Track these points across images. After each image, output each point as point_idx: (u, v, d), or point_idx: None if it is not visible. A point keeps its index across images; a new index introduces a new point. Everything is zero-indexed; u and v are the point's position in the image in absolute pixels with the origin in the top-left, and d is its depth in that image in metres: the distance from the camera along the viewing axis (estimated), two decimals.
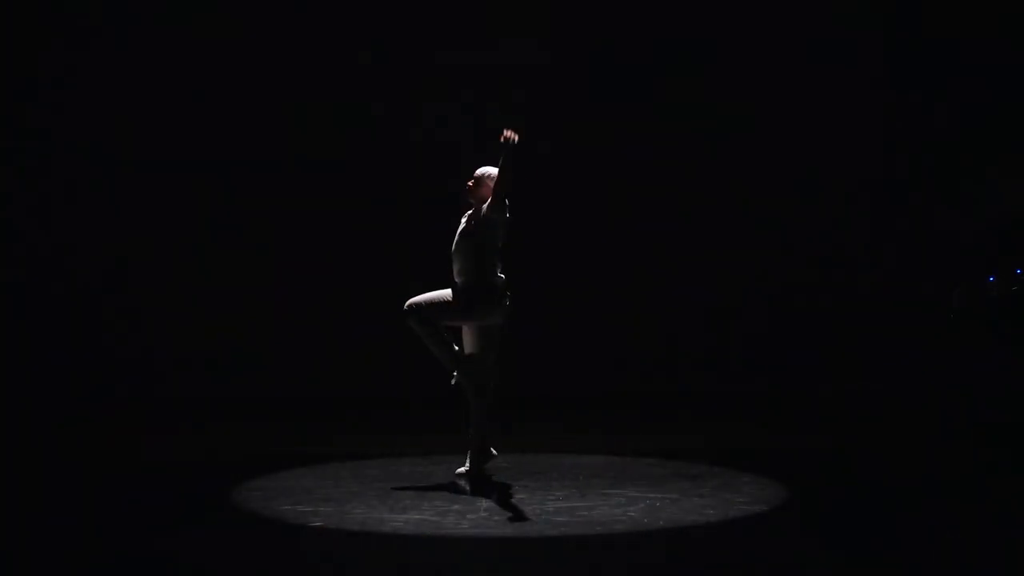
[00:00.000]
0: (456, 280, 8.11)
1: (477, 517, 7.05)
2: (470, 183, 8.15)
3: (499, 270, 8.10)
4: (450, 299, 8.00)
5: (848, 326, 13.56)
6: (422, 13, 13.65)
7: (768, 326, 13.55)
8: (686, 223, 13.63)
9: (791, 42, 13.65)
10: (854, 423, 11.45)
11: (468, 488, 7.89)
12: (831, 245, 13.68)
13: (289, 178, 13.59)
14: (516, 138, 7.78)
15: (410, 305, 8.00)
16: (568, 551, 6.39)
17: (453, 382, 8.14)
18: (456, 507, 7.32)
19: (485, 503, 7.45)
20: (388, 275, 13.12)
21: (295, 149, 13.57)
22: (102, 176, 13.47)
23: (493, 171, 8.05)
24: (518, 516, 7.13)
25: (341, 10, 13.62)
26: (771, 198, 13.65)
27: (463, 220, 8.21)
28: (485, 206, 8.01)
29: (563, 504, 7.39)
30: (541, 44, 13.53)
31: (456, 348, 8.09)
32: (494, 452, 8.19)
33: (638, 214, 13.66)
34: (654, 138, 13.54)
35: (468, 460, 8.21)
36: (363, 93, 13.65)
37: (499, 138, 7.81)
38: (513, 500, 7.52)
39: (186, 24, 13.43)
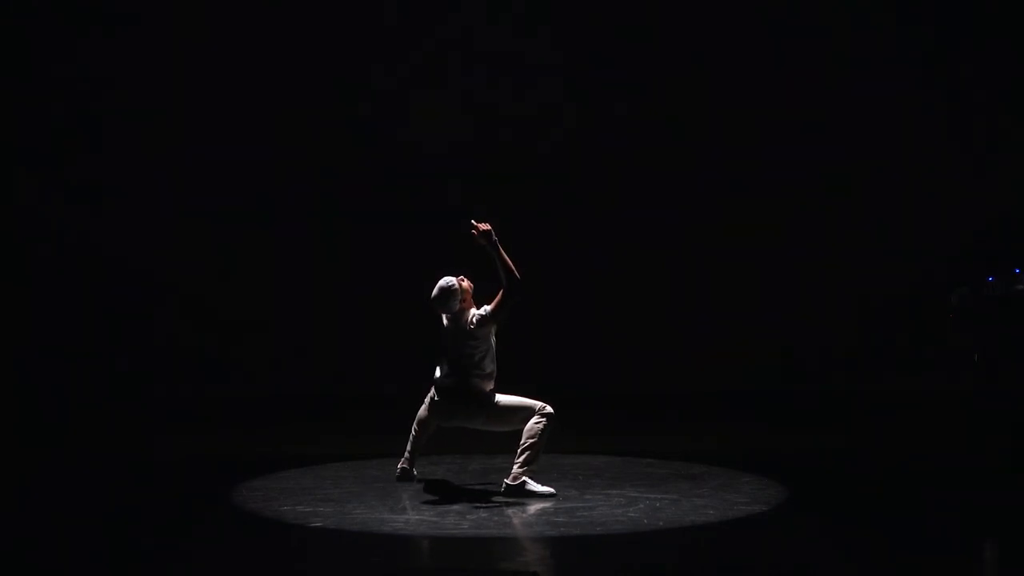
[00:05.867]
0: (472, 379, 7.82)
1: (477, 517, 7.05)
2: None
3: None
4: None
5: (849, 326, 13.57)
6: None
7: (769, 326, 13.55)
8: (687, 221, 13.62)
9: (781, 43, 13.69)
10: (855, 423, 11.46)
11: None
12: (828, 247, 13.67)
13: (290, 179, 13.60)
14: (487, 228, 7.65)
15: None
16: (568, 551, 6.39)
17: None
18: (456, 507, 7.32)
19: (485, 504, 7.45)
20: (388, 275, 13.14)
21: (297, 150, 13.58)
22: (102, 179, 13.49)
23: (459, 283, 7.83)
24: (518, 516, 7.13)
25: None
26: (770, 199, 13.65)
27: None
28: (481, 311, 7.75)
29: (563, 504, 7.39)
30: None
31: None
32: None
33: (638, 210, 13.66)
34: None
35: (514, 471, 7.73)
36: (367, 98, 13.68)
37: (474, 232, 7.63)
38: (513, 500, 7.52)
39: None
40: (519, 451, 7.69)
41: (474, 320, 7.74)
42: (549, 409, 7.76)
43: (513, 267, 7.67)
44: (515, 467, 7.67)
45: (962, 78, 13.58)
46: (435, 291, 7.75)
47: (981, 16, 13.51)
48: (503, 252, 7.68)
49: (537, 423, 7.70)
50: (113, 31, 13.39)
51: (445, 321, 7.86)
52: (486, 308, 7.74)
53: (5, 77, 13.34)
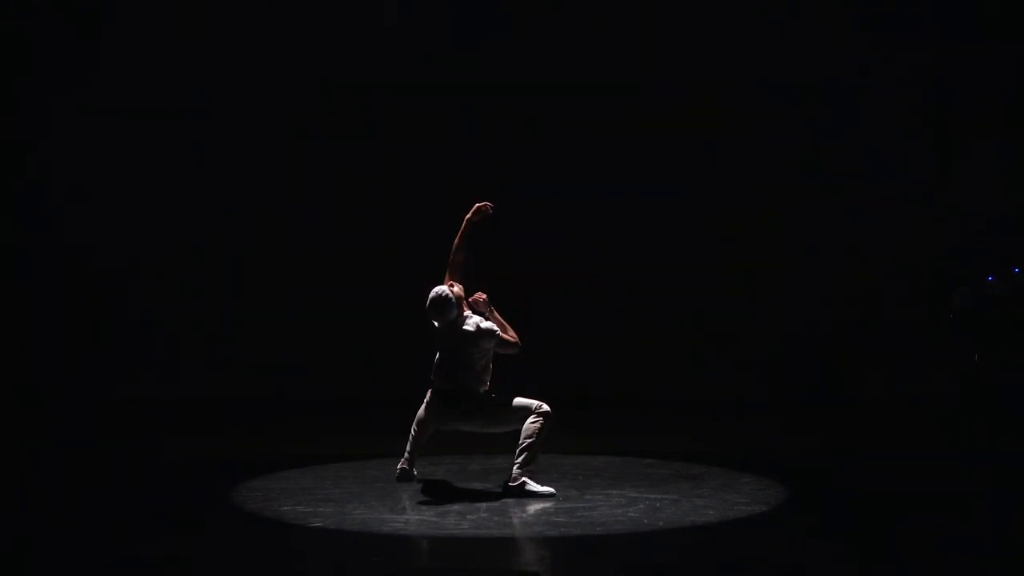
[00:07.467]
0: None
1: (477, 517, 7.05)
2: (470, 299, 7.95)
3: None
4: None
5: (847, 327, 13.58)
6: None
7: (769, 327, 13.56)
8: (690, 225, 13.63)
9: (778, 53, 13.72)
10: (854, 424, 11.46)
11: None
12: (829, 247, 13.68)
13: (290, 180, 13.61)
14: (483, 297, 7.90)
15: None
16: (568, 551, 6.39)
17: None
18: (456, 507, 7.32)
19: (485, 504, 7.45)
20: (388, 275, 13.14)
21: (298, 148, 13.61)
22: (106, 178, 13.51)
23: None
24: (518, 516, 7.13)
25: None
26: (769, 199, 13.66)
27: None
28: (489, 326, 7.83)
29: (563, 504, 7.39)
30: None
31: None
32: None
33: (642, 217, 13.68)
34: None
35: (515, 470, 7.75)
36: (361, 99, 13.70)
37: (476, 300, 7.88)
38: (514, 500, 7.52)
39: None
40: (518, 451, 7.70)
41: (481, 328, 7.75)
42: (546, 408, 7.77)
43: (513, 333, 7.87)
44: (515, 467, 7.68)
45: (962, 77, 13.61)
46: (428, 303, 7.76)
47: (981, 16, 13.53)
48: (500, 318, 7.90)
49: (534, 422, 7.71)
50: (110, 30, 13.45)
51: (438, 324, 7.86)
52: (496, 331, 7.79)
53: (6, 77, 13.39)
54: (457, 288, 7.85)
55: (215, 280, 13.56)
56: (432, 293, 7.76)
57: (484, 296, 7.96)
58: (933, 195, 13.49)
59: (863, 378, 13.35)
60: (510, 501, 7.49)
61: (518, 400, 7.82)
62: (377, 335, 13.16)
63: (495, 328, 7.81)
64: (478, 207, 8.11)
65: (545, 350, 12.66)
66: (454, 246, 8.05)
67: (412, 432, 8.15)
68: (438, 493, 7.77)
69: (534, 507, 7.34)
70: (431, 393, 7.97)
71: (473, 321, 7.80)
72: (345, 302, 13.38)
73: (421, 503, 7.47)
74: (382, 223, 13.55)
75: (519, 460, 7.68)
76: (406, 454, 8.16)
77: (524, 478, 7.65)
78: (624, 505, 7.34)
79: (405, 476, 8.13)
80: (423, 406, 8.08)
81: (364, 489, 7.89)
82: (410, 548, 6.51)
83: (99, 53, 13.47)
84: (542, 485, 7.68)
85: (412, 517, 7.08)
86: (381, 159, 13.69)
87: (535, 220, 13.19)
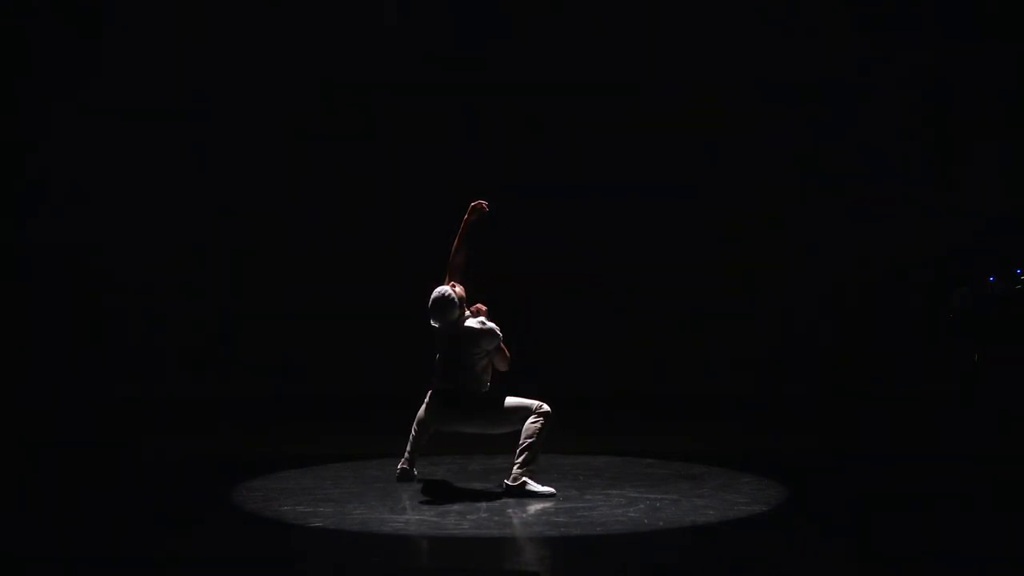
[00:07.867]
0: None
1: (477, 517, 7.05)
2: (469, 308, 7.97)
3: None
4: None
5: (847, 326, 13.58)
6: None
7: (769, 327, 13.56)
8: (687, 227, 13.63)
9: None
10: (854, 424, 11.46)
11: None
12: (829, 247, 13.68)
13: (289, 180, 13.61)
14: (482, 308, 7.94)
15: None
16: (568, 551, 6.39)
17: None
18: (456, 507, 7.32)
19: (485, 504, 7.45)
20: (388, 275, 13.14)
21: (298, 148, 13.60)
22: (106, 178, 13.51)
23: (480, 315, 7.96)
24: (518, 516, 7.13)
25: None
26: (768, 199, 13.66)
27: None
28: (492, 326, 7.85)
29: (563, 504, 7.39)
30: None
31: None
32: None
33: (637, 218, 13.67)
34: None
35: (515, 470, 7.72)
36: (361, 99, 13.69)
37: (472, 310, 7.91)
38: (514, 500, 7.52)
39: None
40: (518, 451, 7.70)
41: (485, 327, 7.76)
42: (546, 408, 7.77)
43: (506, 350, 7.86)
44: (515, 467, 7.68)
45: (962, 77, 13.61)
46: (431, 303, 7.76)
47: (981, 16, 13.53)
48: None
49: (535, 422, 7.72)
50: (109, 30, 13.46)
51: (439, 325, 7.85)
52: (499, 332, 7.78)
53: (6, 77, 13.39)
54: (459, 289, 7.86)
55: (215, 280, 13.56)
56: (434, 293, 7.76)
57: (484, 307, 7.97)
58: (933, 195, 13.50)
59: (863, 378, 13.34)
60: (510, 501, 7.49)
61: (518, 400, 7.82)
62: (377, 335, 13.16)
63: (498, 330, 7.82)
64: (474, 206, 8.12)
65: (545, 350, 12.72)
66: (454, 247, 8.05)
67: (412, 432, 8.15)
68: (438, 493, 7.77)
69: (534, 507, 7.34)
70: (431, 393, 7.98)
71: (477, 320, 7.82)
72: (345, 302, 13.37)
73: (421, 503, 7.47)
74: (382, 223, 13.55)
75: (519, 460, 7.68)
76: (406, 454, 8.16)
77: (524, 478, 7.65)
78: (624, 505, 7.34)
79: (405, 476, 8.13)
80: (423, 406, 8.08)
81: (364, 489, 7.89)
82: (410, 548, 6.51)
83: (99, 53, 13.47)
84: (542, 485, 7.68)
85: (412, 517, 7.08)
86: (381, 159, 13.70)
87: (535, 220, 13.19)
